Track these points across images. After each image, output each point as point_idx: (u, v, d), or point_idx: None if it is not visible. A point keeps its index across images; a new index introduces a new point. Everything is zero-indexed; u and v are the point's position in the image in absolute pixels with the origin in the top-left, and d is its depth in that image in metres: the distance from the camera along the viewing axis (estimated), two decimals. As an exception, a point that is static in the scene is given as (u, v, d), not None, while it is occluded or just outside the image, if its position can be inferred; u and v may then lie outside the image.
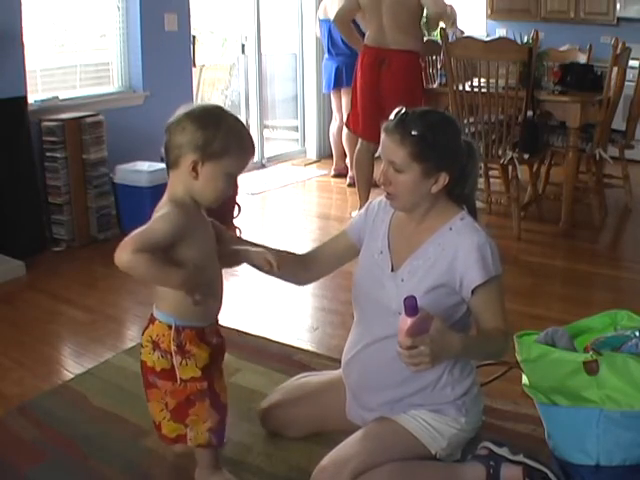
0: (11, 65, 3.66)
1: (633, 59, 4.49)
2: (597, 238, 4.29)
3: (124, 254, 1.55)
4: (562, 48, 5.27)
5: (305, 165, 6.10)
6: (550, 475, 1.80)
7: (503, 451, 1.84)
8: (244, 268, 1.92)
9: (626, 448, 1.77)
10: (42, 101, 3.97)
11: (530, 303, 3.19)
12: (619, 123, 4.67)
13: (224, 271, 1.82)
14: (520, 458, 1.82)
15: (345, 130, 5.02)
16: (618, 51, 4.09)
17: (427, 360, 1.57)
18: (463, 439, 1.86)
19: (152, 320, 1.74)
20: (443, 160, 1.73)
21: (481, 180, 4.31)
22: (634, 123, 4.60)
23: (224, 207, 3.73)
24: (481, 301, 1.75)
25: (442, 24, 4.44)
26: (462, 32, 5.90)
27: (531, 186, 4.69)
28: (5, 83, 3.60)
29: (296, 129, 6.41)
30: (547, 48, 4.66)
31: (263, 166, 5.87)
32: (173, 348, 1.69)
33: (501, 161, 4.11)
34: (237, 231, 4.23)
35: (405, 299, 1.56)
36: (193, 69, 5.05)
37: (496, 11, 6.86)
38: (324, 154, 6.20)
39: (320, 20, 5.41)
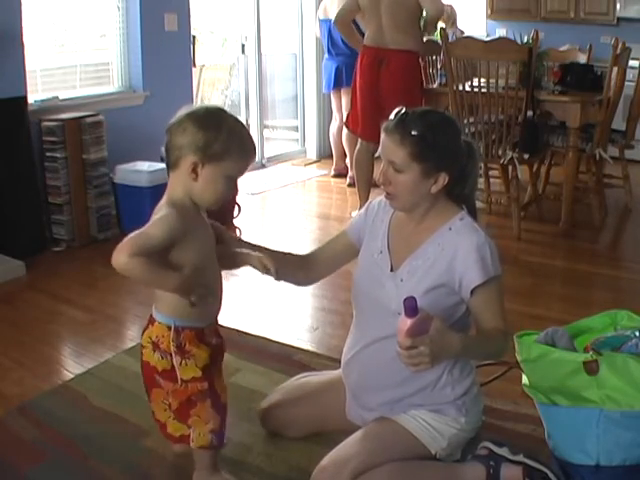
0: (11, 65, 3.66)
1: (633, 59, 4.49)
2: (597, 238, 4.29)
3: (121, 257, 1.55)
4: (562, 48, 5.27)
5: (305, 165, 6.10)
6: (550, 475, 1.80)
7: (503, 451, 1.84)
8: (244, 268, 1.92)
9: (626, 448, 1.77)
10: (42, 101, 3.97)
11: (530, 303, 3.19)
12: (619, 123, 4.67)
13: (224, 272, 1.82)
14: (520, 458, 1.82)
15: (345, 130, 5.02)
16: (618, 51, 4.09)
17: (427, 360, 1.57)
18: (463, 439, 1.86)
19: (151, 321, 1.75)
20: (443, 160, 1.73)
21: (481, 180, 4.31)
22: (634, 123, 4.60)
23: (224, 207, 3.71)
24: (480, 301, 1.75)
25: (442, 24, 4.44)
26: (462, 32, 5.91)
27: (531, 186, 4.69)
28: (5, 83, 3.60)
29: (296, 129, 6.41)
30: (547, 48, 4.66)
31: (263, 166, 5.87)
32: (173, 349, 1.69)
33: (501, 161, 4.11)
34: (237, 231, 4.23)
35: (405, 300, 1.55)
36: (193, 69, 5.05)
37: (496, 11, 6.86)
38: (324, 154, 6.20)
39: (320, 20, 5.41)
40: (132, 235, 1.59)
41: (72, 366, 2.64)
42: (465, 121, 4.07)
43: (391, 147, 1.73)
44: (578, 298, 3.30)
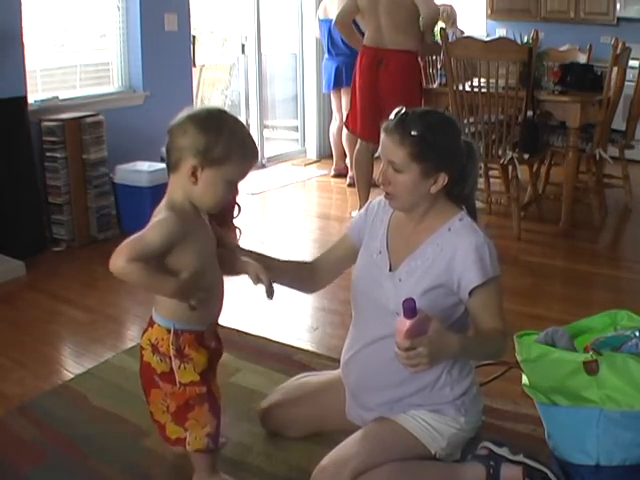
0: (11, 65, 3.66)
1: (633, 59, 4.49)
2: (597, 238, 4.29)
3: (118, 262, 1.55)
4: (562, 48, 5.28)
5: (305, 165, 6.10)
6: (550, 475, 1.80)
7: (503, 451, 1.84)
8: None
9: (626, 448, 1.77)
10: (42, 101, 3.97)
11: (530, 303, 3.19)
12: (619, 123, 4.67)
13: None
14: (520, 458, 1.82)
15: (345, 130, 5.02)
16: (618, 51, 4.09)
17: (425, 361, 1.57)
18: (463, 439, 1.87)
19: (151, 323, 1.74)
20: (442, 160, 1.73)
21: (481, 180, 4.31)
22: (634, 123, 4.60)
23: (224, 208, 3.72)
24: (479, 302, 1.75)
25: (442, 24, 4.43)
26: (462, 32, 5.91)
27: (531, 186, 4.69)
28: (5, 83, 3.60)
29: (296, 129, 6.41)
30: (547, 48, 4.66)
31: (263, 166, 5.87)
32: (172, 352, 1.69)
33: (501, 161, 4.11)
34: (237, 231, 4.23)
35: (404, 301, 1.55)
36: (193, 69, 5.05)
37: (496, 11, 6.86)
38: (324, 154, 6.20)
39: (320, 20, 5.41)
40: (130, 239, 1.58)
41: (72, 366, 2.64)
42: (465, 121, 4.07)
43: (391, 147, 1.73)
44: (578, 298, 3.30)
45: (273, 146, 6.30)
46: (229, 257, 1.84)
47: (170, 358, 1.69)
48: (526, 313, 2.99)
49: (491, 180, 4.72)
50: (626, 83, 4.36)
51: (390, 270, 1.83)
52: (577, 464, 1.82)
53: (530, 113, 4.04)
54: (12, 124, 3.62)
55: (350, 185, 5.19)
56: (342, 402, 1.98)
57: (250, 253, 1.91)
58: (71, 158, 3.87)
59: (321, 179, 5.68)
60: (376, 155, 3.86)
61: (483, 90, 3.96)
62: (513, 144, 4.04)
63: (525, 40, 4.22)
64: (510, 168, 4.22)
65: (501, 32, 6.70)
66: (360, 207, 4.27)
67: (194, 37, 5.00)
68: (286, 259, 2.02)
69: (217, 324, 1.85)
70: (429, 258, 1.77)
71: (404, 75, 4.15)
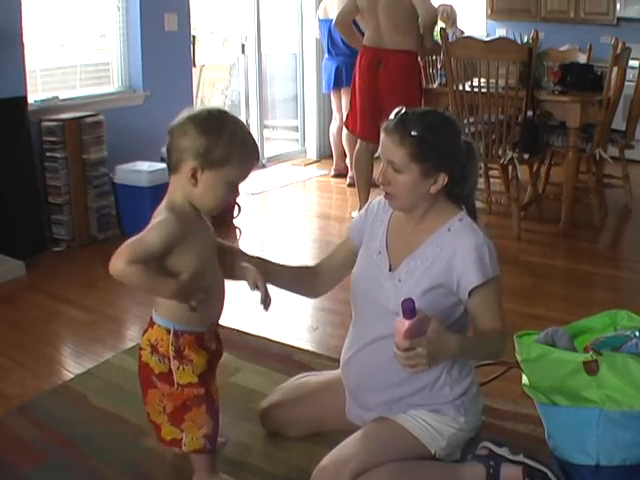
0: (11, 65, 3.66)
1: (633, 59, 4.49)
2: (597, 238, 4.29)
3: (118, 264, 1.54)
4: (562, 48, 5.28)
5: (305, 165, 6.10)
6: (550, 475, 1.80)
7: (503, 451, 1.84)
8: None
9: (626, 448, 1.77)
10: (42, 101, 3.97)
11: (530, 303, 3.19)
12: (619, 123, 4.67)
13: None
14: (520, 458, 1.82)
15: (345, 130, 5.02)
16: (618, 51, 4.09)
17: (424, 362, 1.57)
18: (462, 439, 1.87)
19: (151, 324, 1.74)
20: (442, 161, 1.73)
21: (481, 180, 4.31)
22: (634, 123, 4.60)
23: (224, 208, 3.73)
24: (479, 302, 1.75)
25: (442, 24, 4.43)
26: (462, 32, 5.91)
27: (531, 186, 4.69)
28: (5, 83, 3.60)
29: (296, 129, 6.41)
30: (547, 48, 4.66)
31: (263, 166, 5.87)
32: (171, 353, 1.68)
33: (501, 161, 4.11)
34: (237, 231, 4.23)
35: (403, 301, 1.55)
36: (193, 69, 5.05)
37: (496, 11, 6.86)
38: (324, 154, 6.20)
39: (320, 20, 5.41)
40: (129, 242, 1.58)
41: (72, 366, 2.64)
42: (465, 121, 4.07)
43: (391, 147, 1.73)
44: (578, 298, 3.30)
45: (273, 146, 6.30)
46: (229, 261, 1.83)
47: (169, 359, 1.69)
48: (526, 313, 2.99)
49: (491, 180, 4.72)
50: (626, 83, 4.36)
51: (390, 270, 1.83)
52: (577, 464, 1.82)
53: (530, 113, 4.04)
54: (12, 124, 3.62)
55: (350, 185, 5.19)
56: (342, 402, 1.98)
57: (251, 258, 1.91)
58: (71, 158, 3.87)
59: (321, 179, 5.68)
60: (376, 155, 3.87)
61: (483, 90, 3.96)
62: (513, 144, 4.04)
63: (525, 40, 4.22)
64: (510, 168, 4.22)
65: (501, 32, 6.70)
66: (360, 207, 4.27)
67: (194, 37, 5.00)
68: (287, 264, 2.02)
69: (218, 325, 1.85)
70: (429, 258, 1.77)
71: (403, 75, 4.15)
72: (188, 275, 1.61)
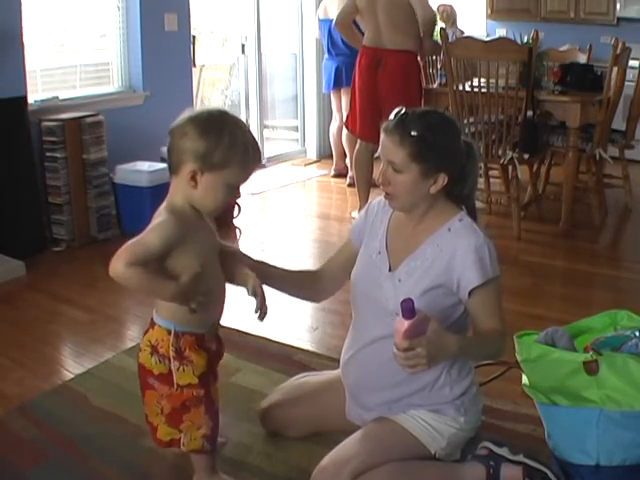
0: (11, 65, 3.66)
1: (633, 59, 4.48)
2: (597, 238, 4.29)
3: (118, 266, 1.54)
4: (562, 48, 5.28)
5: (305, 165, 6.10)
6: (550, 475, 1.80)
7: (503, 451, 1.84)
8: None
9: (626, 448, 1.77)
10: (42, 101, 3.97)
11: (530, 303, 3.19)
12: (619, 123, 4.67)
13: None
14: (520, 458, 1.82)
15: (345, 130, 5.02)
16: (618, 51, 4.09)
17: (424, 362, 1.57)
18: (462, 439, 1.87)
19: (152, 325, 1.74)
20: (442, 161, 1.73)
21: (481, 180, 4.31)
22: (634, 123, 4.60)
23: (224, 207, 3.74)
24: (478, 302, 1.75)
25: (442, 24, 4.42)
26: (462, 32, 5.91)
27: (531, 186, 4.69)
28: (5, 83, 3.60)
29: (296, 129, 6.41)
30: (547, 48, 4.67)
31: (263, 166, 5.86)
32: (172, 353, 1.68)
33: (501, 161, 4.11)
34: (237, 231, 4.23)
35: (402, 301, 1.55)
36: (193, 69, 5.05)
37: (496, 11, 6.86)
38: (324, 154, 6.20)
39: (320, 20, 5.41)
40: (129, 243, 1.57)
41: (72, 366, 2.64)
42: (465, 121, 4.07)
43: (390, 147, 1.73)
44: (578, 298, 3.30)
45: (273, 146, 6.30)
46: (230, 266, 1.82)
47: (169, 359, 1.69)
48: (526, 313, 2.99)
49: (491, 180, 4.72)
50: (626, 83, 4.36)
51: (390, 270, 1.82)
52: (577, 464, 1.82)
53: (530, 113, 4.04)
54: (12, 124, 3.62)
55: (350, 185, 5.19)
56: (342, 402, 1.98)
57: (254, 262, 1.90)
58: (71, 158, 3.87)
59: (321, 179, 5.68)
60: (376, 155, 3.87)
61: (483, 90, 3.96)
62: (513, 144, 4.04)
63: (525, 40, 4.23)
64: (510, 168, 4.22)
65: (501, 32, 6.70)
66: (360, 207, 4.27)
67: (194, 37, 5.00)
68: (290, 268, 2.03)
69: (219, 326, 1.84)
70: (429, 258, 1.77)
71: (403, 75, 4.15)
72: (188, 278, 1.60)
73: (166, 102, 4.41)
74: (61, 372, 2.61)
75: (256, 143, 1.68)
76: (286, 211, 4.88)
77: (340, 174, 5.61)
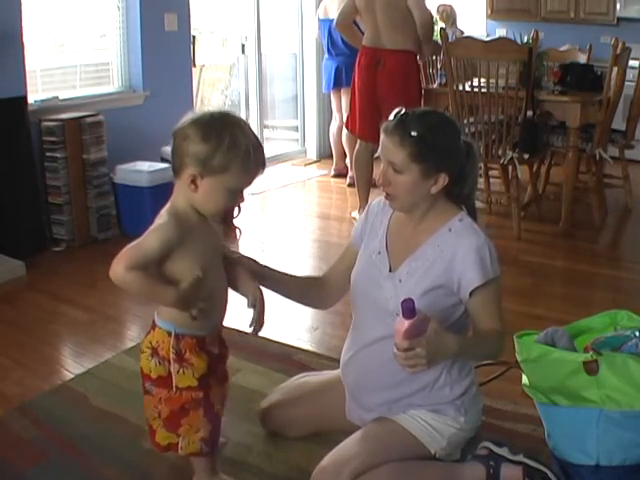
0: (11, 65, 3.66)
1: (633, 59, 4.48)
2: (597, 238, 4.29)
3: (118, 270, 1.54)
4: (562, 48, 5.27)
5: (305, 165, 6.09)
6: (550, 475, 1.80)
7: (503, 451, 1.84)
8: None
9: (626, 448, 1.77)
10: (42, 101, 3.97)
11: (530, 303, 3.19)
12: (619, 123, 4.67)
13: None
14: (520, 458, 1.82)
15: (345, 130, 5.02)
16: (618, 51, 4.09)
17: (423, 362, 1.57)
18: (462, 438, 1.87)
19: (153, 326, 1.73)
20: (442, 161, 1.73)
21: (481, 180, 4.31)
22: (634, 123, 4.60)
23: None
24: (479, 303, 1.75)
25: (442, 24, 4.42)
26: (462, 32, 5.91)
27: (531, 186, 4.69)
28: (5, 83, 3.60)
29: (296, 129, 6.41)
30: (547, 48, 4.67)
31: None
32: (172, 356, 1.67)
33: (501, 161, 4.11)
34: (237, 231, 4.23)
35: (403, 301, 1.55)
36: (193, 69, 5.05)
37: (496, 11, 6.86)
38: (324, 154, 6.20)
39: (320, 20, 5.41)
40: (129, 247, 1.57)
41: (72, 366, 2.64)
42: (465, 121, 4.07)
43: (391, 148, 1.73)
44: (578, 298, 3.31)
45: (273, 146, 6.30)
46: (234, 272, 1.82)
47: (169, 361, 1.68)
48: (526, 313, 2.99)
49: (491, 180, 4.72)
50: (626, 83, 4.36)
51: (390, 271, 1.82)
52: (577, 464, 1.82)
53: (530, 113, 4.04)
54: (12, 124, 3.62)
55: (350, 185, 5.19)
56: (342, 402, 1.98)
57: (260, 267, 1.90)
58: (71, 158, 3.87)
59: (321, 179, 5.68)
60: (376, 155, 3.87)
61: (483, 90, 3.96)
62: (513, 144, 4.04)
63: (525, 40, 4.23)
64: (510, 168, 4.22)
65: (501, 32, 6.70)
66: (360, 207, 4.27)
67: (194, 37, 5.00)
68: (295, 274, 2.03)
69: (221, 328, 1.84)
70: (429, 259, 1.77)
71: (402, 75, 4.14)
72: (188, 284, 1.59)
73: (166, 102, 4.41)
74: (61, 372, 2.61)
75: (260, 146, 1.66)
76: (286, 211, 4.88)
77: (340, 174, 5.61)
